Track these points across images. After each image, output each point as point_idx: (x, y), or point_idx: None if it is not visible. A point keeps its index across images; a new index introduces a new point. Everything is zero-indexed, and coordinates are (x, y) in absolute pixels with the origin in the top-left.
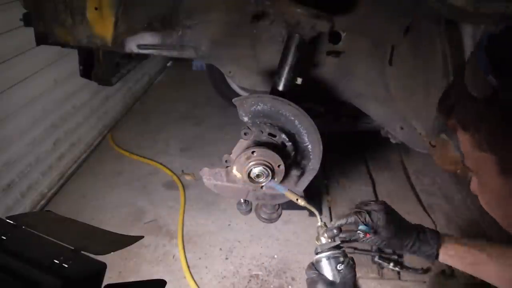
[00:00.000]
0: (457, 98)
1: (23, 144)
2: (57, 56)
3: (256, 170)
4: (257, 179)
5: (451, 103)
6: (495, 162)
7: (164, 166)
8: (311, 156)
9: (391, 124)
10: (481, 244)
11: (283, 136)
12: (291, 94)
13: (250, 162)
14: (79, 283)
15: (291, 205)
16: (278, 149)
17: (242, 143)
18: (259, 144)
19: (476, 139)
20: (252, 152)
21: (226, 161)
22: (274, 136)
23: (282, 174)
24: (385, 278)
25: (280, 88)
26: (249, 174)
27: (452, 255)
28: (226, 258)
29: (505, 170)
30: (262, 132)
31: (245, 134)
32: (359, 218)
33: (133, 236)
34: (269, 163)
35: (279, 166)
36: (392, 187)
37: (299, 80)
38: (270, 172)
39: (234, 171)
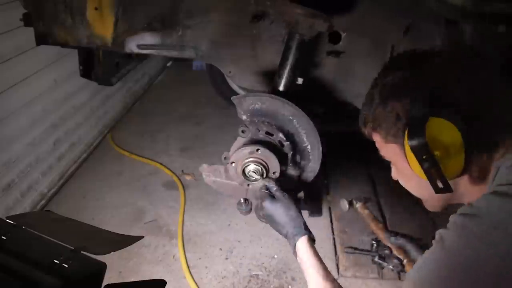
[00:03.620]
0: (368, 109)
1: (23, 144)
2: (57, 56)
3: (252, 167)
4: (249, 176)
5: (364, 114)
6: (399, 149)
7: (164, 166)
8: (310, 157)
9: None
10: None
11: (281, 135)
12: (291, 94)
13: (250, 158)
14: (79, 283)
15: None
16: (276, 148)
17: (240, 140)
18: (255, 142)
19: (382, 134)
20: (257, 150)
21: (225, 158)
22: (271, 135)
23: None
24: (385, 278)
25: (281, 88)
26: (244, 169)
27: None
28: (226, 258)
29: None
30: (259, 131)
31: (242, 132)
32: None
33: (133, 236)
34: (266, 165)
35: (274, 173)
36: (392, 187)
37: (299, 80)
38: (264, 173)
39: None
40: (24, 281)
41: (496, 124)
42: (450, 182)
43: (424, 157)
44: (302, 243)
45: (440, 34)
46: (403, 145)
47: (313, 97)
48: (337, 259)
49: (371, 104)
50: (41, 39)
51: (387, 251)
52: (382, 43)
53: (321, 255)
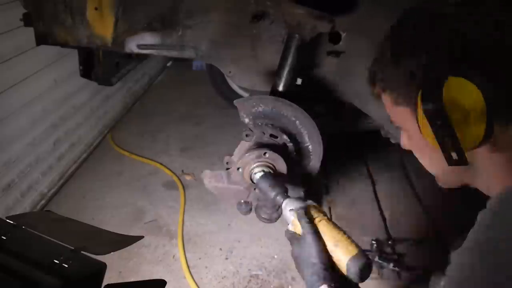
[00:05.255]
0: (378, 65)
1: (23, 144)
2: (57, 56)
3: (260, 171)
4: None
5: (374, 71)
6: (411, 113)
7: (164, 166)
8: (311, 156)
9: (391, 124)
10: None
11: (285, 137)
12: (291, 94)
13: (258, 162)
14: (79, 283)
15: None
16: (280, 150)
17: (244, 144)
18: (261, 145)
19: (392, 95)
20: (264, 153)
21: (227, 162)
22: (276, 137)
23: None
24: (385, 278)
25: (280, 88)
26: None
27: None
28: (226, 258)
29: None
30: (264, 134)
31: (246, 135)
32: None
33: (133, 236)
34: (274, 167)
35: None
36: (392, 187)
37: (298, 81)
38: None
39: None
40: (24, 281)
41: None
42: (467, 153)
43: (438, 123)
44: None
45: None
46: (415, 109)
47: (313, 97)
48: None
49: (381, 60)
50: (41, 39)
51: (388, 251)
52: None
53: None
